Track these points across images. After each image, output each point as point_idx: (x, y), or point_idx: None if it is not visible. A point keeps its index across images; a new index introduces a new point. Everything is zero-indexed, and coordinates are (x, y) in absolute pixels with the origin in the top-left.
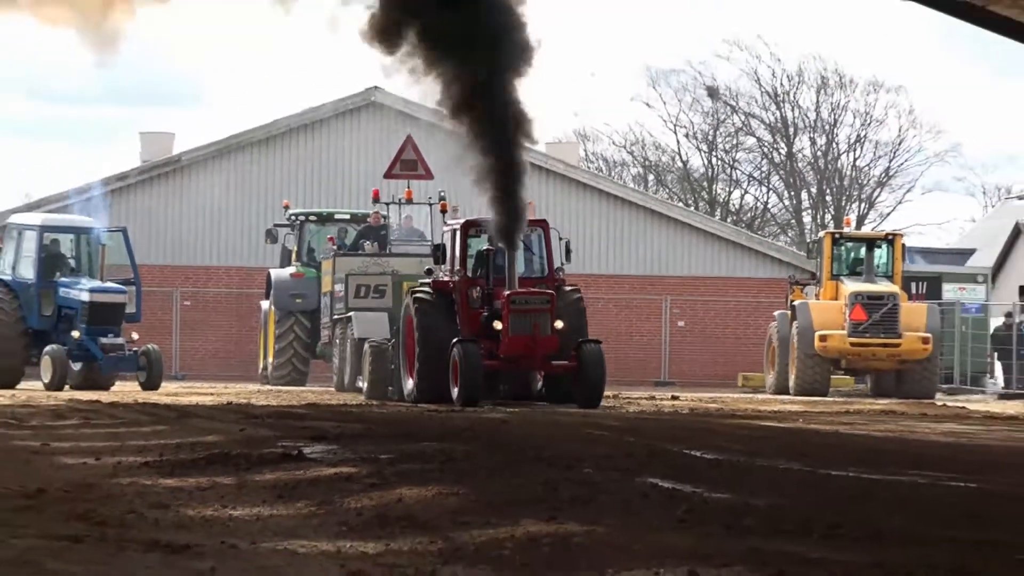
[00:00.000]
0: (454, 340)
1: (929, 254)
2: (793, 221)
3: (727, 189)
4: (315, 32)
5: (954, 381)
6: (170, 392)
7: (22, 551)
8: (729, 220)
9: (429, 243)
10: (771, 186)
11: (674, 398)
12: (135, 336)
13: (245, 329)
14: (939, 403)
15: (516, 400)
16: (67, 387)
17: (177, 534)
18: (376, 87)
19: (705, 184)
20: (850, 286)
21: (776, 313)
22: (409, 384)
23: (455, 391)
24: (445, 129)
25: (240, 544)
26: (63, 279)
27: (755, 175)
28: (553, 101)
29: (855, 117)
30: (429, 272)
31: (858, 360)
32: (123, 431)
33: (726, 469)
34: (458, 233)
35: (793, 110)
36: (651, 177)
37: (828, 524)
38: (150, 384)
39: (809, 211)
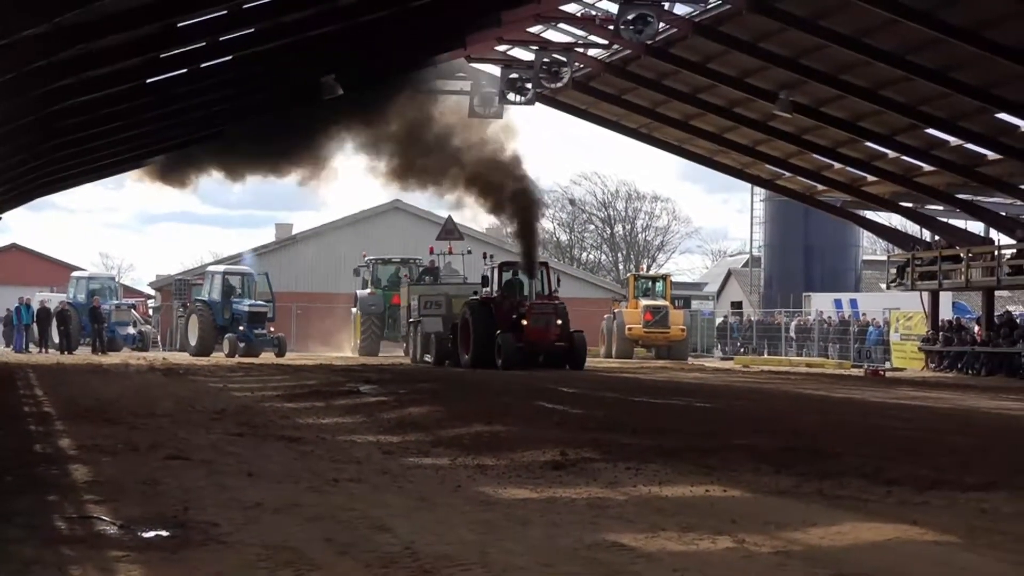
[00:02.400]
0: (497, 332)
1: (684, 286)
2: (614, 268)
3: (580, 252)
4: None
5: (698, 351)
6: (290, 359)
7: (213, 440)
8: (581, 268)
9: (464, 277)
10: (602, 250)
11: None
12: (272, 329)
13: (330, 326)
14: (690, 362)
15: (538, 367)
16: (237, 356)
17: (293, 432)
18: (398, 199)
19: (568, 250)
20: (644, 302)
21: (605, 316)
22: (465, 358)
23: (499, 361)
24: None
25: (327, 437)
26: (235, 299)
27: (594, 244)
28: None
29: (646, 214)
30: (475, 294)
31: (648, 340)
32: (265, 378)
33: (580, 397)
34: (496, 269)
35: (613, 211)
36: (541, 247)
37: (635, 426)
38: (280, 354)
39: (622, 263)
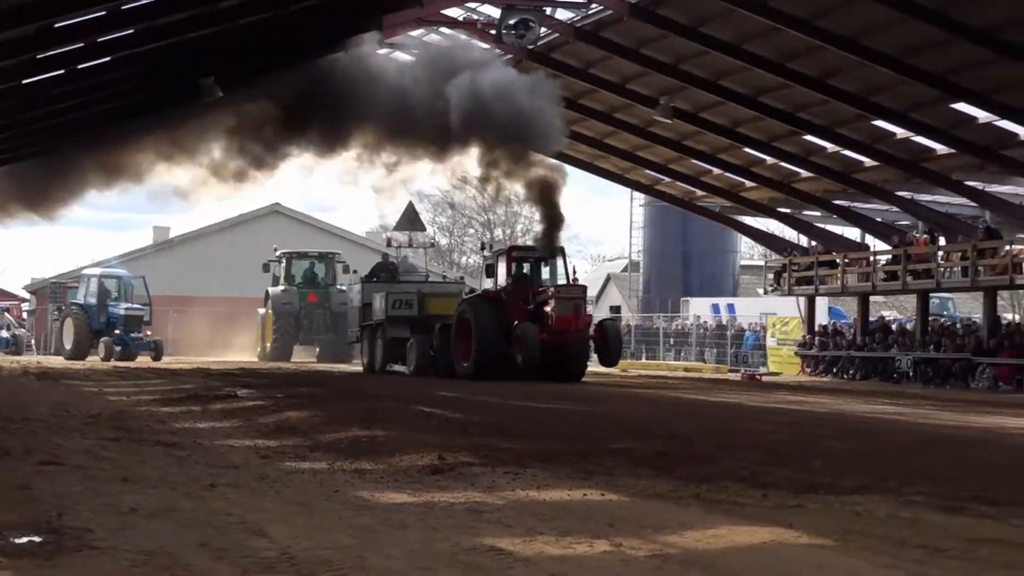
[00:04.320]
0: (515, 323)
1: None
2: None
3: (460, 256)
4: None
5: None
6: (166, 362)
7: (88, 445)
8: (461, 272)
9: (426, 273)
10: (482, 255)
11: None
12: (148, 332)
13: (216, 329)
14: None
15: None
16: (113, 360)
17: (170, 436)
18: (277, 202)
19: (448, 254)
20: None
21: None
22: (463, 365)
23: (519, 357)
24: None
25: (203, 441)
26: (111, 302)
27: (474, 248)
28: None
29: (526, 219)
30: (471, 291)
31: None
32: (142, 382)
33: (459, 400)
34: (504, 257)
35: (492, 216)
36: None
37: (514, 431)
38: (156, 358)
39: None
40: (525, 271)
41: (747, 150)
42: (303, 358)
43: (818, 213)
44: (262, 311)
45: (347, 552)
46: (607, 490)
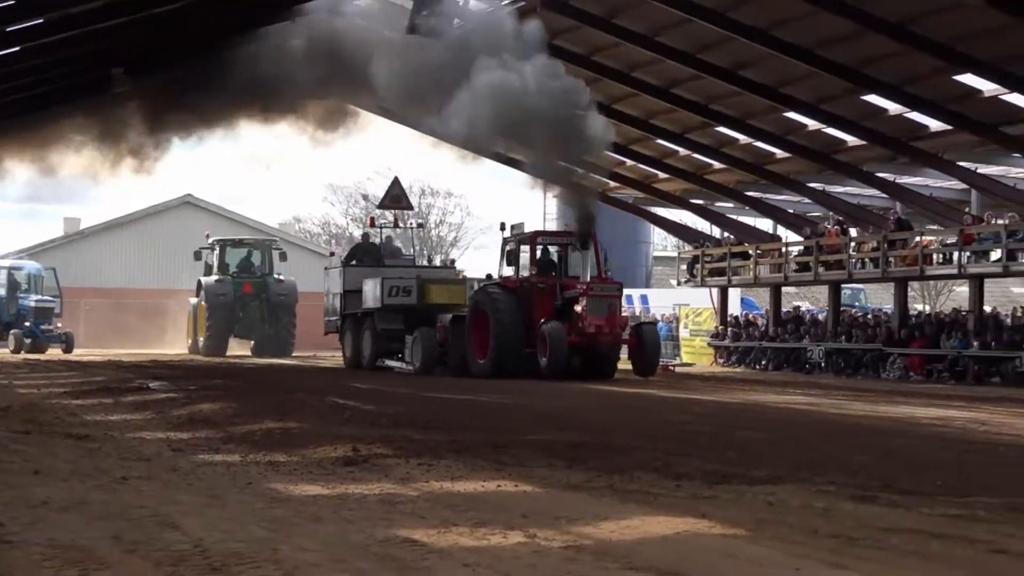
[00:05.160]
0: (541, 321)
1: (478, 281)
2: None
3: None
4: None
5: None
6: (77, 355)
7: None
8: None
9: (412, 256)
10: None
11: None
12: (59, 325)
13: (132, 321)
14: None
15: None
16: (23, 352)
17: (81, 429)
18: (190, 193)
19: None
20: None
21: None
22: (480, 363)
23: (543, 360)
24: None
25: (115, 434)
26: (21, 294)
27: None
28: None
29: (440, 210)
30: (488, 276)
31: None
32: (53, 375)
33: (372, 392)
34: (528, 241)
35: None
36: (335, 244)
37: (428, 422)
38: (67, 350)
39: (416, 258)
40: (552, 260)
41: (660, 142)
42: (237, 351)
43: (731, 204)
44: (193, 301)
45: (261, 544)
46: (521, 481)
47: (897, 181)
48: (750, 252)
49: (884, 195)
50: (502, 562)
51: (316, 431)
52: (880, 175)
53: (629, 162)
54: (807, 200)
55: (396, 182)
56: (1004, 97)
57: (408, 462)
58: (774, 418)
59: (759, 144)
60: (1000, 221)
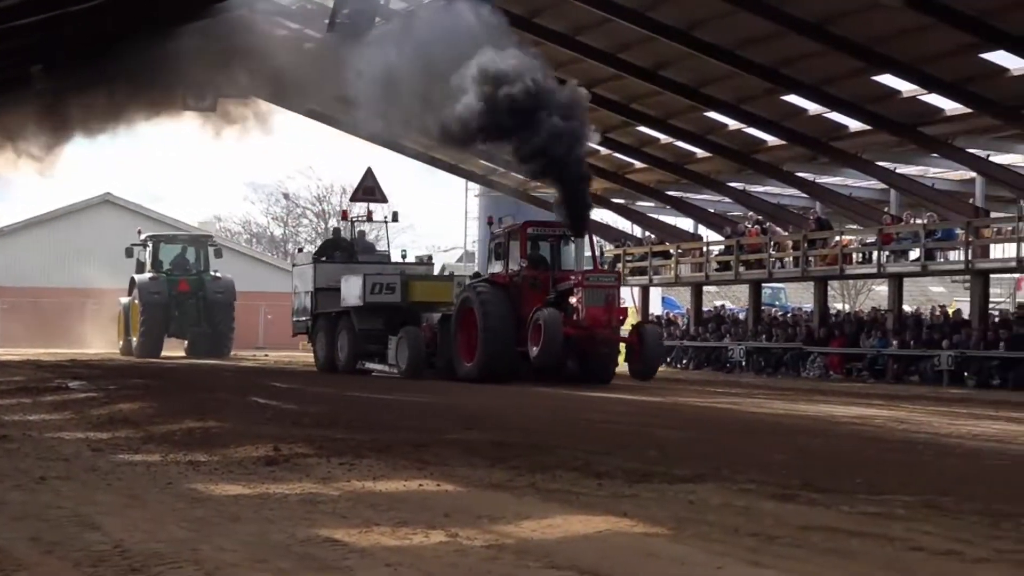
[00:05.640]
0: (534, 310)
1: None
2: None
3: (294, 247)
4: None
5: None
6: None
7: None
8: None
9: (386, 252)
10: (316, 245)
11: (266, 355)
12: None
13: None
14: None
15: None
16: None
17: None
18: (109, 192)
19: (282, 244)
20: None
21: None
22: (467, 365)
23: (534, 350)
24: None
25: (33, 434)
26: None
27: (309, 239)
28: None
29: (360, 206)
30: (477, 274)
31: None
32: None
33: (294, 392)
34: (518, 233)
35: (327, 206)
36: (255, 241)
37: (350, 421)
38: None
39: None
40: (543, 252)
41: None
42: (170, 351)
43: (652, 204)
44: (125, 300)
45: (181, 545)
46: (443, 480)
47: (817, 181)
48: (671, 251)
49: (804, 195)
50: (424, 561)
51: (237, 431)
52: (800, 175)
53: None
54: (728, 200)
55: (369, 173)
56: (922, 98)
57: (330, 461)
58: (695, 417)
59: (680, 144)
60: (919, 221)
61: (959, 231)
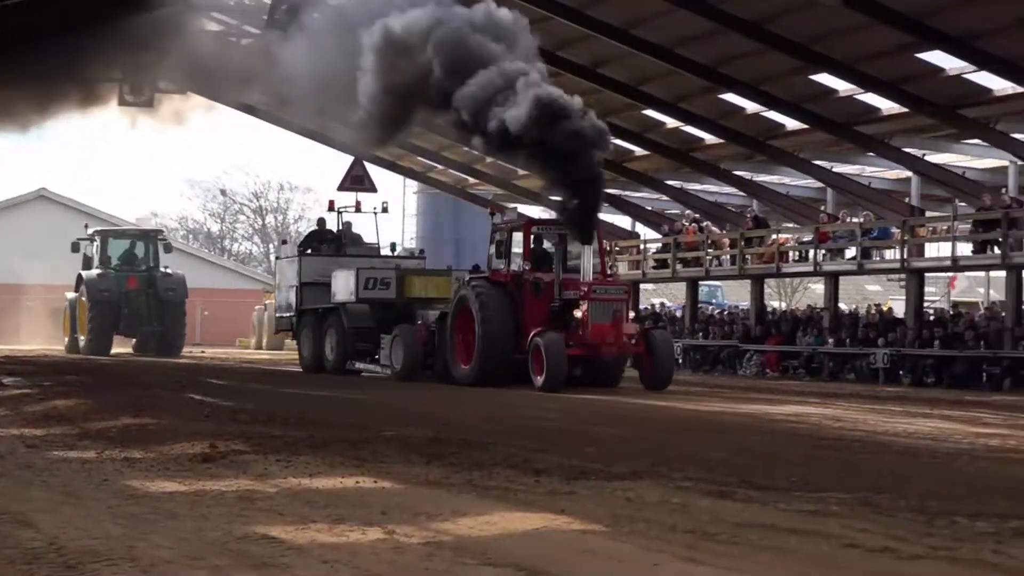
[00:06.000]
0: (532, 333)
1: None
2: (265, 259)
3: (231, 243)
4: None
5: None
6: None
7: None
8: (232, 259)
9: (377, 245)
10: (253, 241)
11: (202, 352)
12: None
13: None
14: None
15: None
16: None
17: None
18: (44, 187)
19: (219, 241)
20: None
21: (256, 307)
22: (463, 368)
23: (539, 379)
24: None
25: None
26: None
27: (246, 235)
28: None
29: (299, 205)
30: (476, 268)
31: None
32: None
33: (229, 389)
34: (520, 231)
35: (265, 202)
36: (192, 237)
37: (286, 418)
38: None
39: (274, 254)
40: (546, 252)
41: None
42: (117, 349)
43: None
44: (71, 296)
45: (116, 542)
46: (380, 477)
47: (754, 179)
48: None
49: (741, 193)
50: (361, 559)
51: (174, 427)
52: (737, 173)
53: (488, 159)
54: (665, 198)
55: (358, 162)
56: (859, 97)
57: (266, 458)
58: (631, 415)
59: (618, 141)
60: (855, 219)
61: (895, 230)
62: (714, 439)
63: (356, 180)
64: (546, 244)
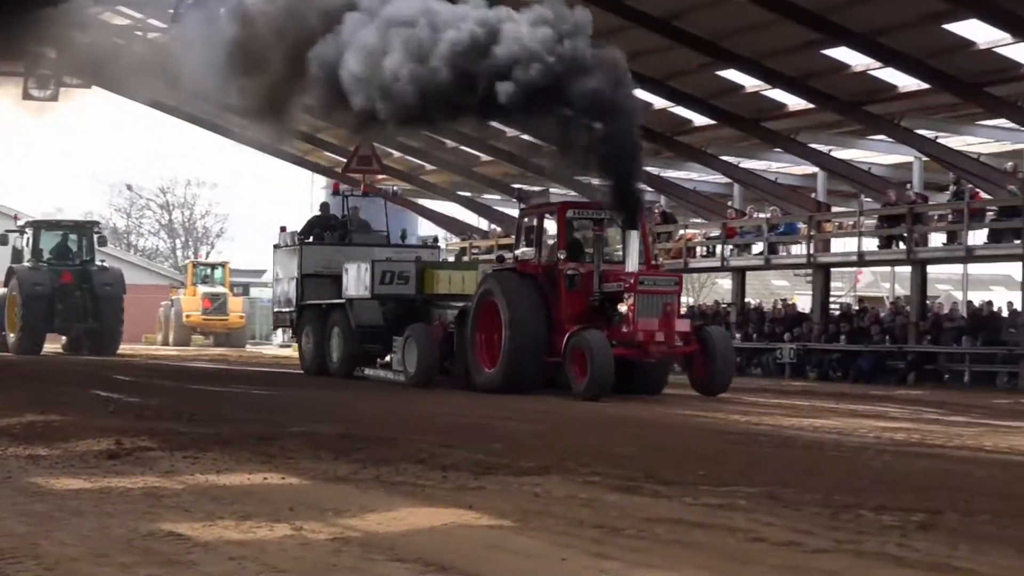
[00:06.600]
0: (573, 329)
1: (244, 273)
2: (172, 255)
3: (137, 238)
4: None
5: (257, 338)
6: None
7: None
8: (139, 255)
9: (386, 233)
10: (160, 236)
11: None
12: None
13: None
14: (248, 349)
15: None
16: None
17: None
18: None
19: (125, 236)
20: (202, 289)
21: (162, 303)
22: (486, 372)
23: (580, 384)
24: None
25: None
26: None
27: (152, 230)
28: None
29: (207, 201)
30: (500, 258)
31: (207, 327)
32: None
33: (136, 385)
34: (554, 216)
35: (172, 197)
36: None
37: (193, 415)
38: None
39: (180, 249)
40: (580, 239)
41: (426, 134)
42: (49, 347)
43: (498, 196)
44: (1, 292)
45: (21, 539)
46: (288, 473)
47: (661, 175)
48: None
49: (649, 188)
50: (268, 555)
51: (79, 424)
52: (645, 169)
53: (396, 154)
54: (573, 193)
55: (365, 142)
56: (766, 93)
57: (173, 455)
58: (538, 409)
59: (526, 137)
60: (761, 215)
61: (801, 225)
62: (622, 434)
63: (363, 161)
64: (577, 232)
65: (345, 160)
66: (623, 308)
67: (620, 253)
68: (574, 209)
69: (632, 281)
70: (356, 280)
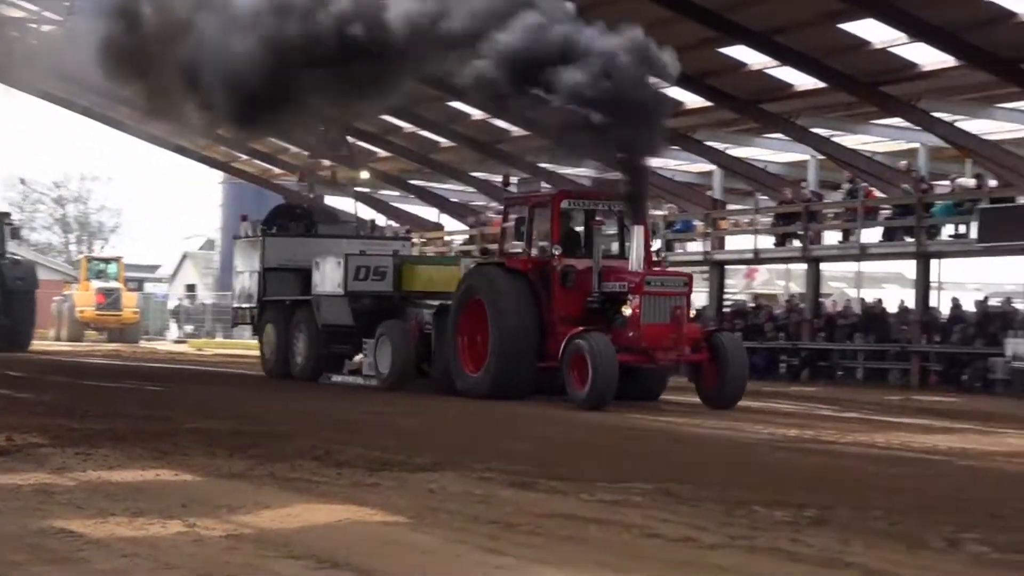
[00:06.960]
0: (574, 332)
1: (138, 268)
2: (66, 249)
3: (30, 232)
4: None
5: (150, 334)
6: None
7: None
8: (32, 249)
9: (366, 223)
10: (53, 231)
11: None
12: None
13: None
14: (142, 345)
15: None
16: None
17: None
18: None
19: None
20: (96, 284)
21: (55, 298)
22: (471, 377)
23: (580, 392)
24: None
25: None
26: None
27: (46, 224)
28: None
29: (102, 195)
30: (483, 252)
31: (100, 323)
32: None
33: (27, 381)
34: (548, 205)
35: (66, 191)
36: None
37: (82, 410)
38: None
39: (74, 244)
40: (576, 232)
41: (323, 129)
42: None
43: (396, 192)
44: None
45: None
46: (181, 470)
47: (557, 172)
48: (415, 240)
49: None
50: (161, 552)
51: None
52: (542, 165)
53: (293, 149)
54: (471, 189)
55: (334, 126)
56: (663, 90)
57: (65, 451)
58: (435, 407)
59: (424, 133)
60: (658, 212)
61: (697, 223)
62: (517, 431)
63: (333, 145)
64: (573, 224)
65: (239, 154)
66: (627, 310)
67: (616, 248)
68: (570, 199)
69: (638, 281)
70: (327, 275)
